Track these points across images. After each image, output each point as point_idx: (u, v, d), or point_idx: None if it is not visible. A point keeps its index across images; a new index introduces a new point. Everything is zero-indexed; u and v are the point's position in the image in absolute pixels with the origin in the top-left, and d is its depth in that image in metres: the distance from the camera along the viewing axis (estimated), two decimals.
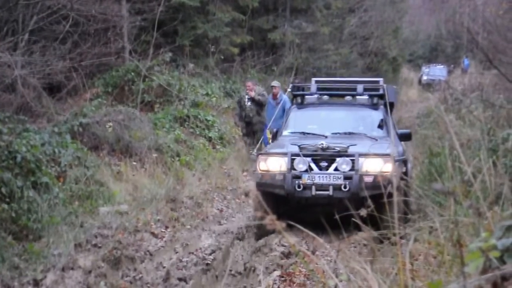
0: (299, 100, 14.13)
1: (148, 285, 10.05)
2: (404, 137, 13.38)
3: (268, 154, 12.08)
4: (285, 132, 13.53)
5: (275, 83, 19.31)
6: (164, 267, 10.85)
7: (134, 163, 16.35)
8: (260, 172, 11.85)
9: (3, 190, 11.34)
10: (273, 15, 32.01)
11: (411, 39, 55.23)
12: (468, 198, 5.49)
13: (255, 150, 14.72)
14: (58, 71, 19.10)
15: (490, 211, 4.64)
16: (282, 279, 9.34)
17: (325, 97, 14.04)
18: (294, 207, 12.15)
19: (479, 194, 4.71)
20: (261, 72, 30.15)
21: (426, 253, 6.12)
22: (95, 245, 11.47)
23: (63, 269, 10.33)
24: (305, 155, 11.62)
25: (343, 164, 11.52)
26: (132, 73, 21.59)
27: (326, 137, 12.54)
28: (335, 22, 36.02)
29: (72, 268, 10.39)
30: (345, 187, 11.35)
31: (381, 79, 15.33)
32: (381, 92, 13.63)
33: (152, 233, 12.45)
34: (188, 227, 13.21)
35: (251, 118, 19.26)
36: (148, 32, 23.64)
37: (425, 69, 49.55)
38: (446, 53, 57.81)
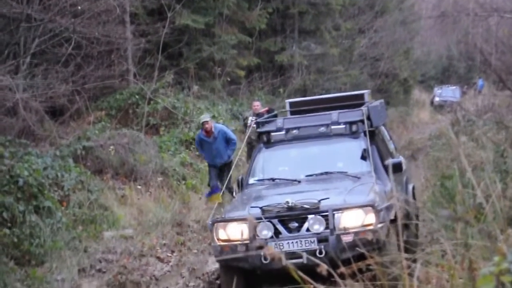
0: (265, 138, 12.00)
1: None
2: (394, 168, 11.19)
3: (226, 220, 10.03)
4: (251, 180, 11.64)
5: (205, 117, 16.48)
6: None
7: (139, 186, 16.42)
8: (218, 243, 9.96)
9: (5, 214, 11.41)
10: (281, 36, 32.12)
11: (422, 60, 55.26)
12: (480, 221, 5.53)
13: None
14: (61, 94, 19.18)
15: (502, 234, 4.68)
16: None
17: (295, 131, 11.93)
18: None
19: (490, 218, 4.75)
20: (268, 94, 30.23)
21: (439, 276, 6.14)
22: (99, 270, 11.54)
23: None
24: (269, 218, 9.79)
25: (315, 224, 9.72)
26: (137, 96, 21.71)
27: (299, 182, 11.05)
28: (344, 43, 36.11)
29: None
30: (320, 252, 9.53)
31: (367, 92, 13.73)
32: (359, 118, 11.54)
33: (158, 258, 12.50)
34: (195, 251, 13.25)
35: (253, 140, 18.71)
36: (152, 55, 23.78)
37: (437, 90, 49.53)
38: (459, 74, 57.81)
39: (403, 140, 27.02)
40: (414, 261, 5.92)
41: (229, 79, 27.83)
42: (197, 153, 18.81)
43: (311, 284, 3.78)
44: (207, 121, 15.94)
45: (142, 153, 17.45)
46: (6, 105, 17.49)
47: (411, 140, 27.42)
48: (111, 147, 16.90)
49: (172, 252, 13.02)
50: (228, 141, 15.83)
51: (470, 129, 20.30)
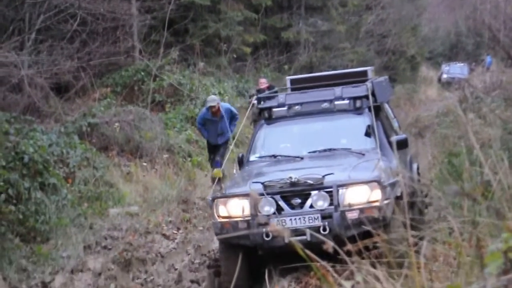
0: (266, 114, 11.69)
1: (160, 287, 10.10)
2: (399, 145, 10.75)
3: (227, 196, 9.76)
4: (252, 157, 11.33)
5: (212, 100, 15.83)
6: (176, 269, 10.91)
7: (145, 163, 16.42)
8: (219, 220, 9.66)
9: (10, 191, 11.40)
10: (287, 13, 32.05)
11: (430, 37, 55.03)
12: (487, 199, 5.49)
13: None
14: (66, 71, 19.17)
15: (510, 211, 4.64)
16: (298, 281, 9.37)
17: (297, 106, 11.59)
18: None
19: (498, 195, 4.71)
20: (274, 71, 30.20)
21: (446, 254, 6.12)
22: (105, 247, 11.55)
23: (72, 272, 10.41)
24: (272, 194, 9.51)
25: (318, 200, 9.43)
26: (142, 73, 21.70)
27: (302, 158, 10.69)
28: (351, 20, 36.04)
29: (81, 271, 10.47)
30: (324, 229, 9.22)
31: (370, 68, 13.31)
32: (364, 93, 11.19)
33: (164, 235, 12.50)
34: (200, 228, 13.26)
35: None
36: (158, 31, 23.72)
37: (445, 67, 49.40)
38: (467, 51, 57.61)
39: (410, 117, 26.95)
40: (421, 239, 5.90)
41: (235, 56, 27.79)
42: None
43: (317, 261, 3.72)
44: (213, 106, 15.42)
45: (148, 130, 17.44)
46: (11, 82, 17.49)
47: (418, 117, 27.33)
48: (117, 124, 16.89)
49: (178, 229, 13.02)
50: (232, 118, 15.67)
51: (478, 106, 20.24)
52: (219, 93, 23.21)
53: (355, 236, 5.15)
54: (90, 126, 16.46)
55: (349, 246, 4.36)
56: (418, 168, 12.65)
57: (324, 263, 3.73)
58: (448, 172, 12.56)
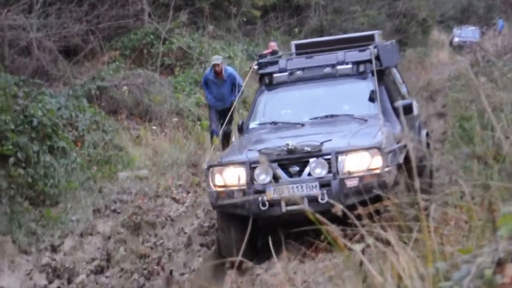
0: (267, 80, 11.39)
1: (169, 250, 10.11)
2: (405, 110, 10.10)
3: (222, 164, 9.54)
4: (252, 124, 11.06)
5: (216, 60, 15.44)
6: (185, 233, 10.91)
7: (154, 127, 16.42)
8: (214, 189, 9.46)
9: (19, 155, 11.39)
10: None
11: (441, 0, 54.71)
12: (499, 162, 5.45)
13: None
14: (75, 34, 19.15)
15: None
16: (307, 244, 9.35)
17: (299, 72, 11.22)
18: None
19: (510, 158, 4.67)
20: (284, 34, 30.06)
21: (457, 218, 6.10)
22: (114, 211, 11.57)
23: (81, 235, 10.44)
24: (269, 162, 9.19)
25: (316, 168, 9.17)
26: (151, 36, 21.65)
27: (302, 125, 10.44)
28: None
29: (90, 234, 10.49)
30: (322, 198, 8.97)
31: (377, 32, 12.93)
32: (367, 57, 10.83)
33: (173, 198, 12.51)
34: None
35: None
36: None
37: (456, 30, 49.13)
38: (478, 14, 57.28)
39: (421, 81, 26.80)
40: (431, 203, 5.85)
41: (244, 19, 27.65)
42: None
43: (327, 225, 3.68)
44: (218, 64, 15.13)
45: (157, 94, 17.41)
46: (20, 45, 17.47)
47: (429, 81, 27.19)
48: (125, 87, 16.87)
49: (188, 193, 13.02)
50: (235, 86, 15.18)
51: (490, 70, 20.12)
52: (229, 57, 23.13)
53: (367, 201, 5.04)
54: (99, 89, 16.46)
55: (360, 210, 4.32)
56: (428, 135, 12.31)
57: (334, 226, 3.70)
58: (459, 136, 12.51)
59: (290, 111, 11.15)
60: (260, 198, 9.06)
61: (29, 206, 11.04)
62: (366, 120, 10.12)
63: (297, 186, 9.13)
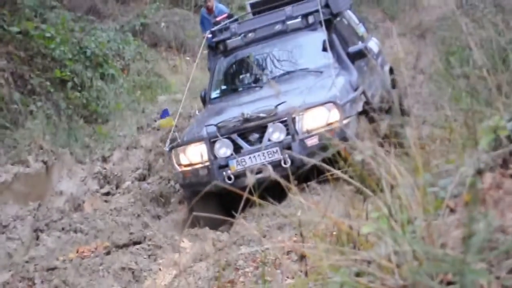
0: (221, 47, 9.64)
1: None
2: (357, 56, 8.89)
3: (184, 143, 8.10)
4: (213, 94, 9.45)
5: None
6: None
7: (188, 58, 16.32)
8: (180, 169, 8.04)
9: (76, 80, 11.46)
10: None
11: None
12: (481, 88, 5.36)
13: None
14: None
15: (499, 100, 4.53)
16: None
17: (251, 34, 9.44)
18: None
19: (492, 86, 4.58)
20: None
21: (443, 136, 6.04)
22: (154, 128, 11.58)
23: (127, 148, 10.49)
24: (226, 134, 7.88)
25: (274, 133, 7.76)
26: None
27: (261, 87, 8.84)
28: None
29: (135, 147, 10.54)
30: (285, 162, 7.56)
31: None
32: (315, 7, 9.06)
33: None
34: None
35: None
36: None
37: None
38: None
39: (414, 22, 26.44)
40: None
41: None
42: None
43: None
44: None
45: (191, 29, 17.28)
46: None
47: (421, 21, 26.80)
48: (164, 24, 16.76)
49: None
50: None
51: (473, 11, 19.80)
52: None
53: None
54: (142, 25, 16.42)
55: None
56: (391, 70, 10.55)
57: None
58: (445, 68, 12.33)
59: (248, 75, 9.52)
60: (224, 173, 7.74)
61: (84, 124, 11.12)
62: (321, 72, 8.61)
63: (258, 154, 7.73)
